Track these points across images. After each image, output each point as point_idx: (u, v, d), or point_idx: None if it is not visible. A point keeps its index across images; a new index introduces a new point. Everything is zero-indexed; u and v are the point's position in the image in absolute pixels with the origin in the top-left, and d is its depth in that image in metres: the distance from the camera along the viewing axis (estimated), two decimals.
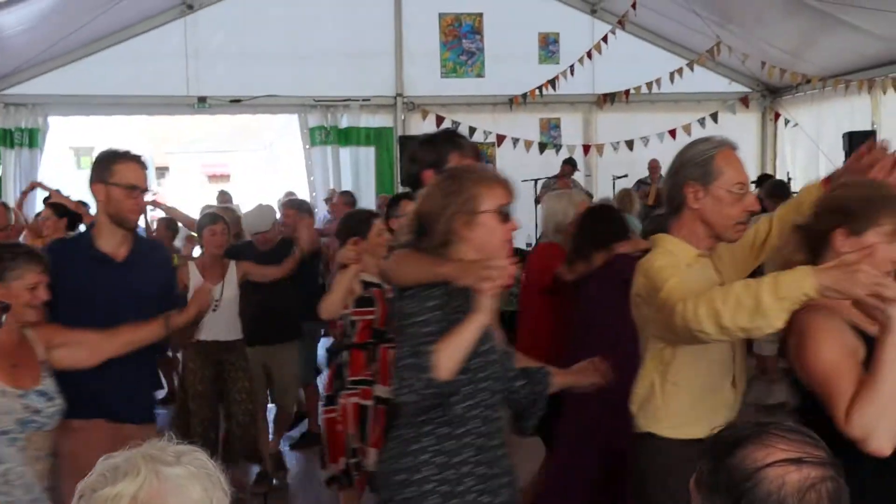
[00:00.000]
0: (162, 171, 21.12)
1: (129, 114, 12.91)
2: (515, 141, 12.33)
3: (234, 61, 11.72)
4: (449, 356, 2.42)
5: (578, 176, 12.17)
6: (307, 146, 12.63)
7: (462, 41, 12.51)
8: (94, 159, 3.66)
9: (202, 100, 11.88)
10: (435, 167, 3.09)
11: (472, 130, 12.21)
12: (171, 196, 14.40)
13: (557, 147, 12.56)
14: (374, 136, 12.49)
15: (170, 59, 11.64)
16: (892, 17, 9.19)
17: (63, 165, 20.46)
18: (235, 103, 12.06)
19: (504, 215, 2.58)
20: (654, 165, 11.48)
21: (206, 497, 1.56)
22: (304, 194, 12.01)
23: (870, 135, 9.98)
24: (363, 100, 12.29)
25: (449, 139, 3.27)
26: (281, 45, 11.73)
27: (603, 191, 11.81)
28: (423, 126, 12.12)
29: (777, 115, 13.01)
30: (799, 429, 1.38)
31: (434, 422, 2.56)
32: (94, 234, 3.60)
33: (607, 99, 12.52)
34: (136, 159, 3.59)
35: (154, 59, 11.57)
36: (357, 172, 12.67)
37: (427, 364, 2.41)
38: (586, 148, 12.59)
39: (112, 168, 3.53)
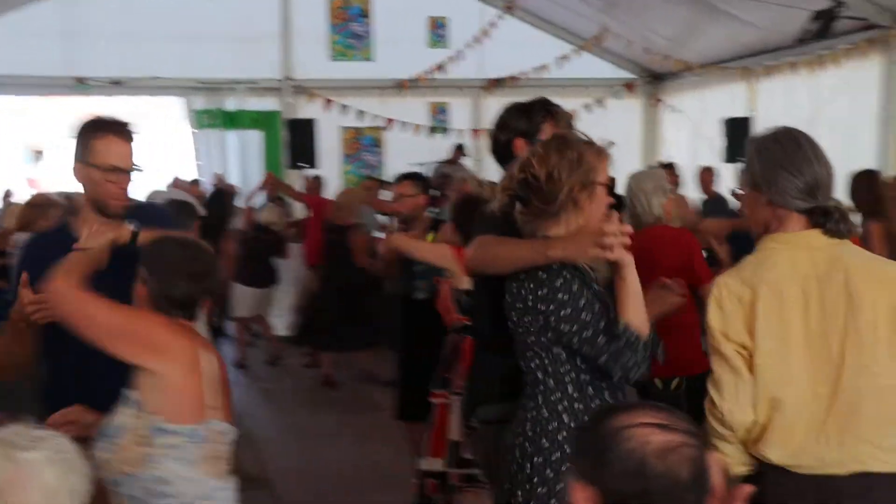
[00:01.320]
0: (38, 155, 20.31)
1: (1, 94, 12.36)
2: (404, 125, 12.30)
3: (115, 41, 11.29)
4: (638, 317, 2.47)
5: (470, 160, 12.24)
6: (193, 130, 12.34)
7: (351, 24, 12.39)
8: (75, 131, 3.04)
9: (80, 81, 11.45)
10: (527, 136, 3.02)
11: (361, 114, 12.13)
12: (48, 181, 13.85)
13: (446, 131, 12.60)
14: (262, 120, 12.26)
15: (45, 38, 11.15)
16: (768, 6, 9.52)
17: None
18: (116, 85, 11.68)
19: (609, 189, 2.63)
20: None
21: (64, 482, 1.53)
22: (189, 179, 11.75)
23: (746, 121, 10.34)
24: (250, 83, 12.06)
25: (544, 107, 3.13)
26: (165, 26, 11.36)
27: (490, 175, 11.87)
28: (310, 110, 11.97)
29: (660, 101, 13.34)
30: (671, 409, 1.39)
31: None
32: (77, 224, 3.07)
33: (496, 84, 12.60)
34: (121, 132, 3.00)
35: (28, 37, 11.07)
36: (244, 157, 12.44)
37: (633, 337, 2.45)
38: (475, 132, 12.65)
39: (91, 145, 2.97)
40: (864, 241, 6.10)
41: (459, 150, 12.07)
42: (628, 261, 2.47)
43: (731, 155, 9.97)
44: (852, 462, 2.31)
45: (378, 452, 6.06)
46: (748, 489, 1.36)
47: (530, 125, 3.05)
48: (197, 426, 2.45)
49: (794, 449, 2.33)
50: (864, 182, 6.42)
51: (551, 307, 2.49)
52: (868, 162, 8.90)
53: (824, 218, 2.42)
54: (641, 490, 1.27)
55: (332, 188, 11.14)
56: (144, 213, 3.10)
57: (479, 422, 2.98)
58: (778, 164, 2.43)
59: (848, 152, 9.44)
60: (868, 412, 2.31)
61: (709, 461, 1.32)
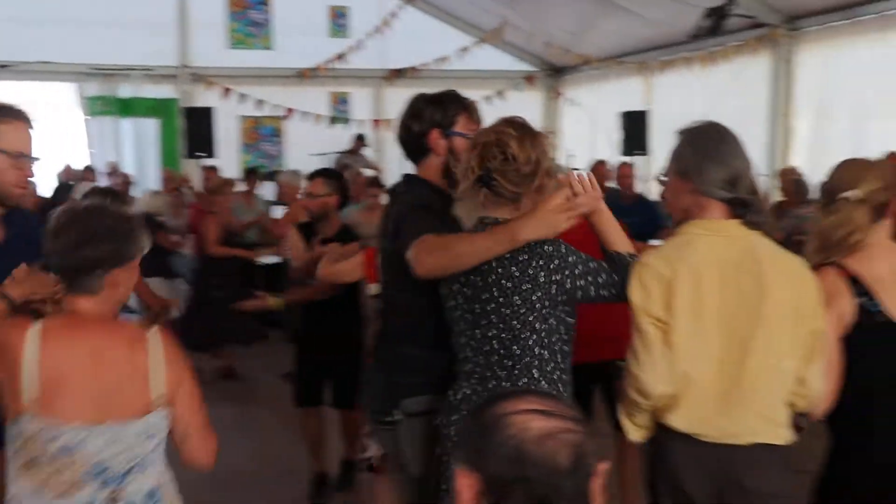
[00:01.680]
0: None
1: None
2: (305, 115, 12.17)
3: (2, 24, 10.86)
4: (624, 242, 2.68)
5: (371, 151, 12.21)
6: (85, 117, 11.96)
7: (250, 12, 12.19)
8: None
9: None
10: (442, 127, 3.02)
11: (261, 103, 11.95)
12: None
13: (346, 121, 12.52)
14: (158, 108, 11.97)
15: None
16: (663, 3, 9.76)
17: None
18: (3, 69, 11.22)
19: None
20: None
21: None
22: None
23: (643, 115, 10.57)
24: (145, 69, 11.75)
25: (457, 99, 3.12)
26: (56, 9, 10.98)
27: (391, 166, 11.88)
28: (208, 98, 11.73)
29: (559, 94, 13.53)
30: (553, 394, 1.44)
31: None
32: None
33: (397, 74, 12.57)
34: (26, 118, 2.89)
35: None
36: (140, 145, 12.14)
37: (627, 260, 2.63)
38: (376, 123, 12.61)
39: None
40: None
41: (360, 140, 12.02)
42: (596, 204, 2.63)
43: (629, 148, 10.19)
44: (748, 434, 2.49)
45: (279, 445, 6.00)
46: (605, 466, 1.38)
47: (445, 116, 3.04)
48: (10, 424, 2.23)
49: (699, 419, 2.51)
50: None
51: (566, 272, 2.59)
52: (757, 156, 9.22)
53: (743, 209, 2.55)
54: (521, 476, 1.29)
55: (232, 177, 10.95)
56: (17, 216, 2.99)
57: (404, 414, 2.98)
58: (705, 155, 2.56)
59: None
60: (765, 391, 2.50)
61: (590, 447, 1.34)
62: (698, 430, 2.51)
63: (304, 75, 12.20)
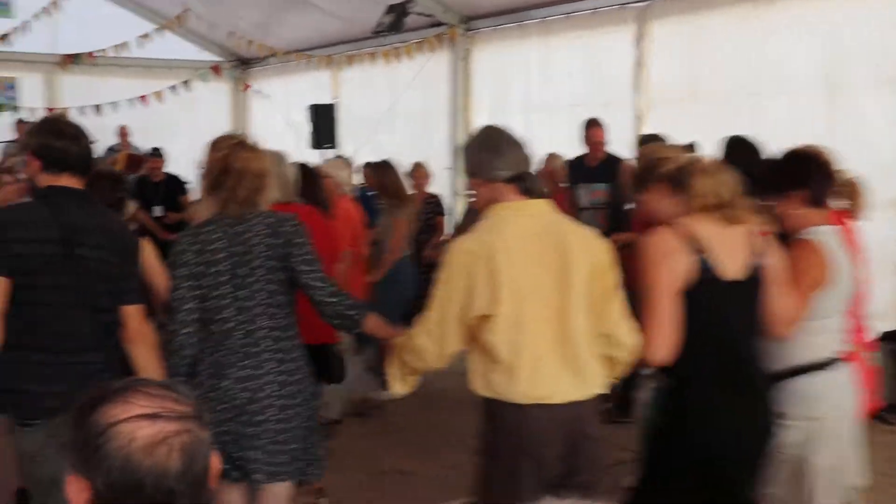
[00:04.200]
0: None
1: None
2: None
3: None
4: None
5: None
6: None
7: None
8: None
9: None
10: None
11: None
12: None
13: (16, 109, 11.55)
14: None
15: None
16: None
17: None
18: None
19: None
20: (123, 131, 11.12)
21: None
22: None
23: (331, 108, 10.70)
24: None
25: None
26: None
27: None
28: None
29: (247, 86, 13.36)
30: (168, 385, 1.40)
31: None
32: None
33: (71, 60, 11.80)
34: None
35: None
36: None
37: None
38: (50, 111, 11.74)
39: None
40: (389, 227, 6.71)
41: (23, 125, 11.04)
42: None
43: (318, 141, 10.25)
44: (586, 389, 2.83)
45: None
46: (216, 456, 1.43)
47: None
48: None
49: (545, 385, 2.76)
50: (385, 172, 7.01)
51: None
52: (440, 149, 9.68)
53: (522, 183, 2.88)
54: (134, 485, 1.30)
55: None
56: None
57: None
58: (482, 149, 2.96)
59: (423, 139, 10.18)
60: (586, 348, 2.82)
61: (203, 443, 1.36)
62: (547, 395, 2.75)
63: None
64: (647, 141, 6.08)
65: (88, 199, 3.21)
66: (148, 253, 3.97)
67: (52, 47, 11.56)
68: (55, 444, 2.90)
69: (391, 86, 10.77)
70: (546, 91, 9.19)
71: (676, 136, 6.31)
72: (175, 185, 9.57)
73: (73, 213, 3.12)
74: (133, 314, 3.21)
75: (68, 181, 3.13)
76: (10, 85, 11.71)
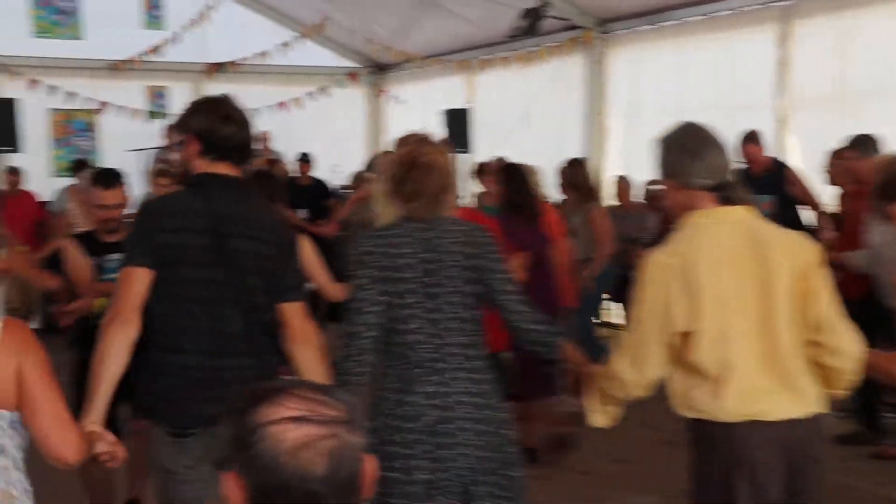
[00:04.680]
0: None
1: None
2: (120, 109, 11.68)
3: None
4: None
5: None
6: None
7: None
8: None
9: None
10: None
11: (72, 96, 11.38)
12: None
13: (165, 116, 12.08)
14: None
15: None
16: (481, 3, 9.98)
17: None
18: None
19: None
20: (264, 137, 11.48)
21: None
22: None
23: (465, 112, 10.77)
24: None
25: None
26: None
27: None
28: (10, 89, 11.04)
29: (383, 91, 13.59)
30: (321, 388, 1.42)
31: None
32: None
33: (217, 68, 12.27)
34: None
35: None
36: None
37: None
38: None
39: None
40: (586, 224, 6.63)
41: (173, 133, 11.56)
42: None
43: (452, 145, 10.30)
44: (804, 406, 2.62)
45: None
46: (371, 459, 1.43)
47: None
48: None
49: (756, 402, 2.59)
50: (578, 169, 6.94)
51: None
52: (576, 153, 9.60)
53: (723, 191, 2.69)
54: (280, 486, 1.33)
55: (42, 173, 10.40)
56: None
57: None
58: (683, 152, 2.72)
59: (558, 144, 10.12)
60: (800, 363, 2.63)
61: (351, 449, 1.36)
62: (760, 412, 2.58)
63: (118, 68, 11.69)
64: (861, 143, 5.74)
65: (244, 189, 3.00)
66: (306, 249, 3.86)
67: (199, 57, 12.06)
68: (211, 459, 2.66)
69: (525, 90, 10.76)
70: (682, 94, 8.99)
71: (822, 138, 6.08)
72: (321, 189, 9.90)
73: (227, 202, 2.90)
74: (294, 312, 2.98)
75: (225, 169, 2.93)
76: (161, 93, 12.27)
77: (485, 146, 10.47)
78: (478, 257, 2.93)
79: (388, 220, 2.99)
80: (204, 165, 2.92)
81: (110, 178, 4.39)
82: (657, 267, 2.64)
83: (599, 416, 2.84)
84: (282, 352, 3.02)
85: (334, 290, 4.40)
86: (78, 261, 4.36)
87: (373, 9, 11.45)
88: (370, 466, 1.40)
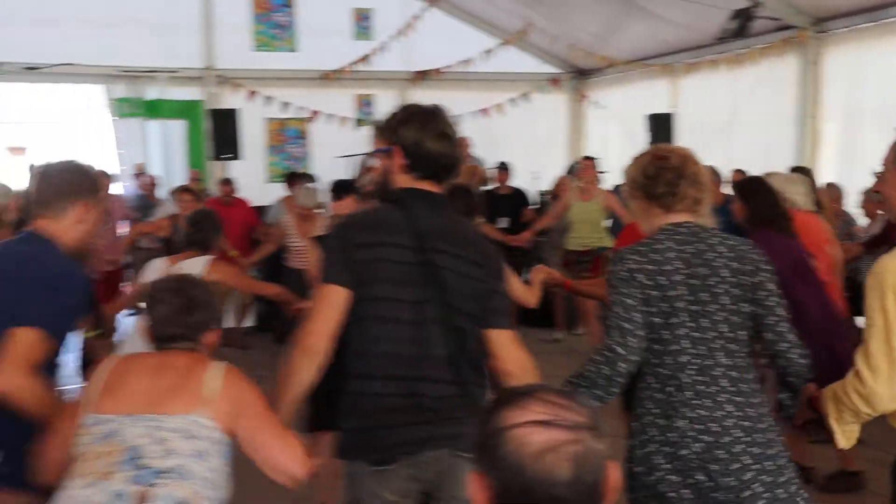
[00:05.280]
0: None
1: None
2: (330, 117, 12.21)
3: (32, 26, 10.93)
4: None
5: None
6: (113, 118, 12.03)
7: (274, 14, 12.23)
8: None
9: None
10: None
11: (286, 105, 11.99)
12: None
13: (373, 124, 12.48)
14: (184, 110, 12.03)
15: None
16: (688, 5, 9.70)
17: None
18: (31, 71, 11.30)
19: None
20: (465, 143, 11.67)
21: None
22: (110, 169, 11.45)
23: (669, 117, 10.52)
24: (171, 71, 11.81)
25: None
26: (83, 11, 11.04)
27: None
28: (233, 100, 11.79)
29: (584, 97, 13.49)
30: (565, 393, 1.41)
31: None
32: None
33: (421, 76, 12.58)
34: None
35: None
36: (167, 146, 12.19)
37: None
38: None
39: None
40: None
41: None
42: None
43: None
44: None
45: None
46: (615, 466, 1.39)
47: None
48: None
49: None
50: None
51: None
52: (785, 158, 9.17)
53: None
54: (523, 489, 1.33)
55: (258, 179, 11.00)
56: None
57: None
58: None
59: (766, 149, 9.70)
60: None
61: (596, 455, 1.35)
62: None
63: (329, 77, 12.22)
64: None
65: (447, 206, 2.84)
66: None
67: (405, 65, 12.42)
68: (417, 491, 2.66)
69: (732, 93, 10.38)
70: None
71: None
72: (520, 198, 9.96)
73: (429, 218, 2.73)
74: (505, 341, 2.78)
75: (428, 186, 2.78)
76: (368, 102, 12.72)
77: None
78: (752, 274, 2.76)
79: (646, 230, 2.90)
80: (406, 181, 2.77)
81: (341, 190, 4.74)
82: (889, 273, 2.44)
83: (844, 438, 2.65)
84: (485, 384, 2.83)
85: (527, 296, 4.37)
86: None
87: (575, 14, 11.39)
88: (614, 474, 1.39)
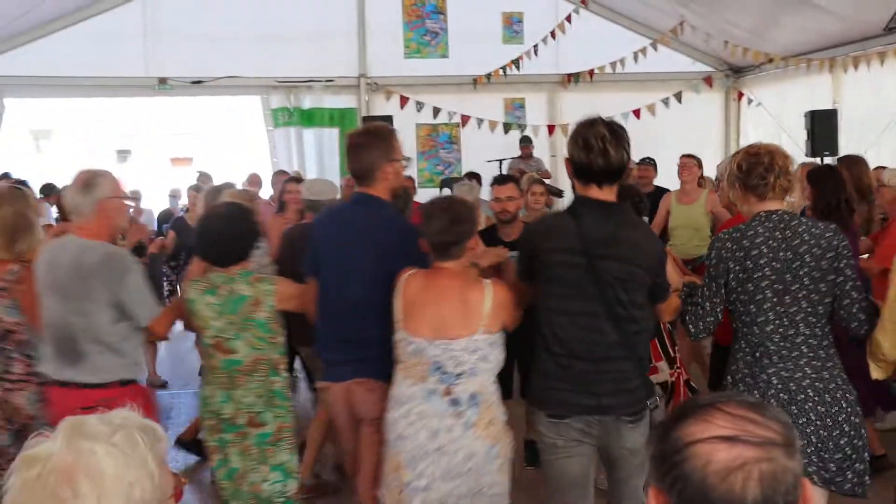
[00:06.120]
0: (124, 155, 20.80)
1: (87, 96, 12.74)
2: (480, 121, 12.28)
3: (195, 42, 11.52)
4: None
5: (544, 155, 12.14)
6: (270, 128, 12.50)
7: (425, 21, 12.42)
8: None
9: (163, 81, 11.70)
10: None
11: (437, 111, 12.14)
12: (134, 180, 14.20)
13: (522, 127, 12.51)
14: (338, 117, 12.37)
15: (128, 40, 11.43)
16: None
17: (22, 149, 20.11)
18: (197, 85, 11.89)
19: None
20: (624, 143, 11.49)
21: (122, 478, 1.47)
22: (267, 177, 11.90)
23: (831, 113, 10.05)
24: (326, 80, 12.17)
25: None
26: (242, 26, 11.57)
27: (563, 170, 11.78)
28: (386, 107, 12.03)
29: (740, 95, 13.07)
30: (753, 404, 1.30)
31: None
32: None
33: (571, 78, 12.50)
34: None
35: (112, 40, 11.35)
36: (321, 154, 12.56)
37: None
38: (551, 128, 12.56)
39: None
40: None
41: (526, 143, 11.85)
42: None
43: (817, 149, 9.69)
44: None
45: None
46: (809, 485, 1.29)
47: None
48: None
49: None
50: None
51: None
52: None
53: None
54: None
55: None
56: None
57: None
58: None
59: None
60: None
61: (788, 473, 1.24)
62: None
63: (479, 82, 12.30)
64: None
65: (617, 212, 3.30)
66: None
67: (555, 68, 12.37)
68: (588, 443, 3.32)
69: None
70: None
71: None
72: (662, 196, 9.66)
73: (597, 225, 3.23)
74: (663, 308, 3.47)
75: (596, 193, 3.26)
76: (519, 105, 12.73)
77: (851, 148, 9.71)
78: (833, 259, 3.21)
79: (745, 214, 3.38)
80: (578, 188, 3.32)
81: (503, 178, 5.67)
82: None
83: (874, 371, 3.31)
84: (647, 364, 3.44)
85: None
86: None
87: (730, 10, 11.05)
88: (808, 494, 1.28)
